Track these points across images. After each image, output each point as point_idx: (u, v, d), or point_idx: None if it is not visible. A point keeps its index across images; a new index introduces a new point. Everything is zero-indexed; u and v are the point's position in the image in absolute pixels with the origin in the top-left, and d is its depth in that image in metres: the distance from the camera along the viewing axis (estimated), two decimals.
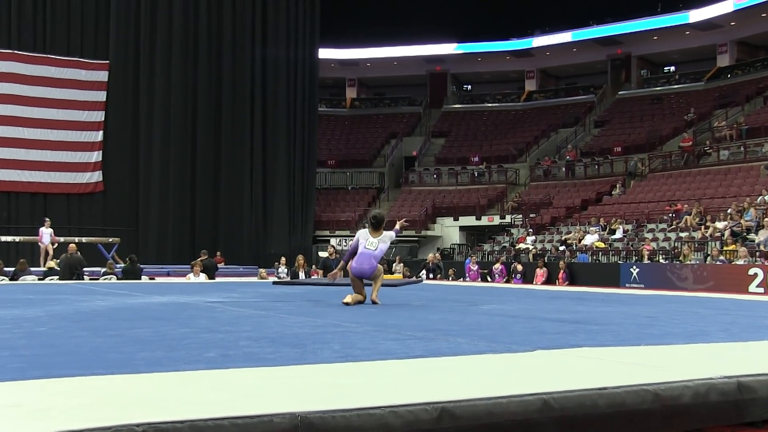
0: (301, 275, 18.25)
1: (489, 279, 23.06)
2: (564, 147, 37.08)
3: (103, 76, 29.57)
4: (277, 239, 32.03)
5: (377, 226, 8.73)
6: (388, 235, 8.83)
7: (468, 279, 23.15)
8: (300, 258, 19.18)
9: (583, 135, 38.36)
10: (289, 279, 18.19)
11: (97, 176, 29.43)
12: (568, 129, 38.78)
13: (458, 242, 32.79)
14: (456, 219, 33.88)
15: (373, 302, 8.68)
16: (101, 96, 29.55)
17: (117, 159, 29.54)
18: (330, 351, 4.22)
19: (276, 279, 18.73)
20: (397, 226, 9.38)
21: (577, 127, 38.77)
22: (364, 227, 9.03)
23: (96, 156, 29.41)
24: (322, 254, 25.02)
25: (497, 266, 23.32)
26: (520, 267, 22.77)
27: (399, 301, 9.16)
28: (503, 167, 36.86)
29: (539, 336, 5.17)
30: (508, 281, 22.35)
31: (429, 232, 34.10)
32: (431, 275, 22.34)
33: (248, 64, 32.34)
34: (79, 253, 19.21)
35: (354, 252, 8.78)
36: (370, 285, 9.03)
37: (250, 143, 32.17)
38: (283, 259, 21.93)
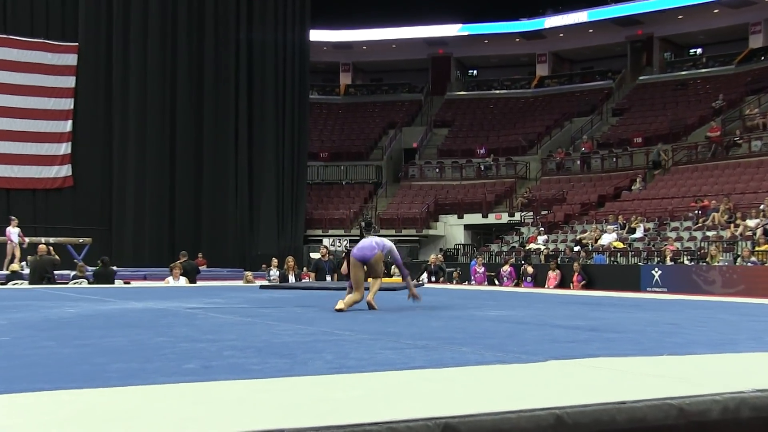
0: (291, 278, 18.25)
1: (497, 282, 23.05)
2: (579, 138, 37.10)
3: (71, 59, 29.51)
4: (264, 239, 32.03)
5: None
6: (385, 241, 9.47)
7: (474, 282, 23.14)
8: (290, 260, 19.18)
9: (599, 124, 38.37)
10: (278, 282, 18.19)
11: (65, 170, 29.40)
12: (583, 118, 38.79)
13: (463, 242, 32.80)
14: (460, 217, 33.89)
15: (369, 306, 8.76)
16: (70, 82, 29.50)
17: (88, 151, 29.49)
18: (322, 361, 4.22)
19: (267, 282, 18.73)
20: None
21: (593, 116, 38.78)
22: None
23: (65, 148, 29.37)
24: (314, 255, 25.02)
25: (506, 268, 23.32)
26: (530, 269, 22.77)
27: (398, 307, 9.16)
28: (512, 160, 36.87)
29: (551, 345, 5.17)
30: (517, 285, 22.35)
31: (431, 232, 34.10)
32: (433, 278, 22.34)
33: (232, 46, 32.31)
34: (53, 252, 19.18)
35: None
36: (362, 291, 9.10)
37: (235, 134, 32.15)
38: (274, 261, 21.93)
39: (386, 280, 16.60)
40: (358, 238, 29.19)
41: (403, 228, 33.47)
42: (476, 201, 34.31)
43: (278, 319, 7.38)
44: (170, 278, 17.58)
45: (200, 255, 27.56)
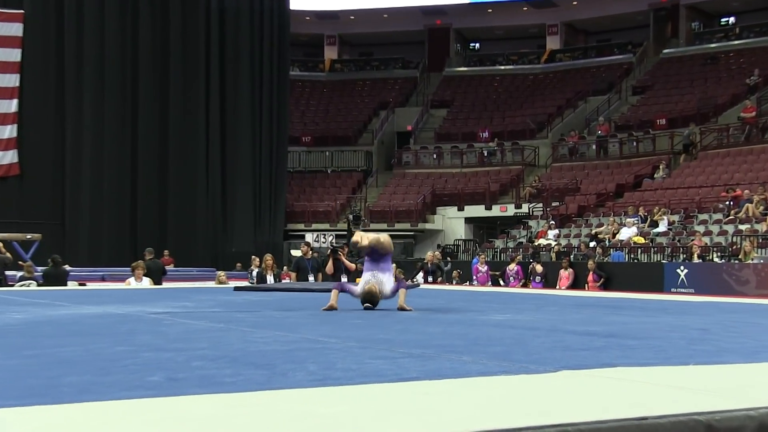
0: (269, 279, 18.23)
1: (502, 282, 23.10)
2: (595, 119, 37.14)
3: (16, 29, 29.34)
4: (239, 235, 32.01)
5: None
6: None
7: (476, 282, 23.19)
8: (268, 258, 19.13)
9: (618, 104, 38.43)
10: (255, 283, 18.17)
11: (11, 156, 29.28)
12: (599, 97, 38.83)
13: (463, 237, 32.85)
14: (461, 209, 33.91)
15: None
16: (15, 55, 29.34)
17: (37, 135, 29.38)
18: (304, 372, 4.21)
19: (249, 283, 18.70)
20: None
21: (611, 95, 38.82)
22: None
23: (9, 131, 29.24)
24: (296, 253, 24.97)
25: (512, 267, 23.36)
26: (539, 268, 22.81)
27: (390, 310, 9.16)
28: (519, 145, 36.90)
29: (563, 353, 5.18)
30: (525, 285, 22.39)
31: (427, 225, 34.12)
32: (430, 278, 22.36)
33: (202, 15, 32.23)
34: (3, 250, 19.11)
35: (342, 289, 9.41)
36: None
37: (206, 116, 32.09)
38: (255, 260, 21.89)
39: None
40: (345, 233, 29.21)
41: (397, 222, 33.47)
42: (478, 191, 34.31)
43: (255, 324, 7.38)
44: (132, 279, 17.54)
45: (166, 253, 27.51)
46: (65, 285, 18.00)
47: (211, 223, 31.83)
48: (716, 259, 21.69)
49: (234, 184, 32.53)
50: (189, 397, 3.45)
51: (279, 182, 33.86)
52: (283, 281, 18.35)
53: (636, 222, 25.80)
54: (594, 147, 35.01)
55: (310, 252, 18.48)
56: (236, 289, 15.58)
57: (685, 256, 22.42)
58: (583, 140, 35.81)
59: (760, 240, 21.81)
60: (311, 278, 17.38)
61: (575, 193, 31.89)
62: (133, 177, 30.68)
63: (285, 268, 24.52)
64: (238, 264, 28.10)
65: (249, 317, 8.37)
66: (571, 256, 23.96)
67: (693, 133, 32.02)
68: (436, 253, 26.02)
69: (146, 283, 17.48)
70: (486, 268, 23.75)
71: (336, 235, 29.52)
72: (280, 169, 34.04)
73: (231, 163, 32.52)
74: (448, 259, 27.50)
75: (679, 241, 23.82)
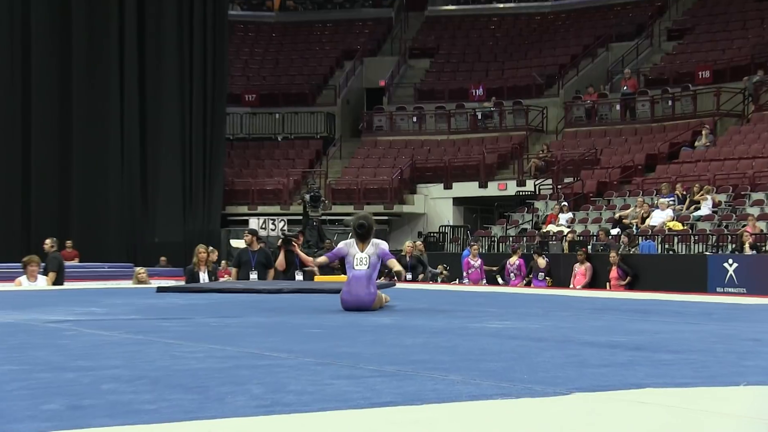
0: (203, 277, 18.18)
1: (500, 280, 23.09)
2: (619, 72, 37.18)
3: None
4: (163, 221, 31.90)
5: (365, 237, 9.97)
6: (382, 244, 10.08)
7: (467, 280, 23.16)
8: (201, 250, 19.03)
9: (648, 52, 38.49)
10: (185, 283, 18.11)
11: None
12: (625, 43, 38.85)
13: (452, 223, 32.82)
14: (448, 187, 33.91)
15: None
16: None
17: None
18: (247, 397, 4.21)
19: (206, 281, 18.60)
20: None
21: (639, 41, 38.86)
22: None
23: None
24: (236, 244, 24.90)
25: (513, 260, 23.34)
26: (542, 261, 22.77)
27: (358, 316, 9.17)
28: (522, 105, 36.92)
29: (578, 370, 5.19)
30: (529, 284, 22.43)
31: (405, 208, 34.13)
32: (409, 275, 22.33)
33: None
34: None
35: (337, 256, 10.26)
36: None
37: (119, 69, 31.85)
38: (213, 252, 21.62)
39: (333, 278, 16.68)
40: (299, 218, 29.21)
41: (366, 203, 33.44)
42: (470, 164, 34.31)
43: (183, 336, 7.35)
44: (24, 278, 17.43)
45: (69, 244, 27.34)
46: None
47: (128, 206, 31.65)
48: None
49: (157, 157, 32.36)
50: (97, 430, 3.43)
51: (215, 153, 33.72)
52: (221, 280, 18.28)
53: (672, 203, 25.89)
54: (618, 107, 35.06)
55: (256, 242, 18.44)
56: (160, 289, 15.51)
57: (734, 246, 22.51)
58: (604, 99, 35.86)
59: None
60: (254, 276, 17.35)
61: (594, 167, 31.91)
62: (25, 150, 30.40)
63: (224, 263, 24.47)
64: (163, 258, 27.97)
65: (176, 326, 8.33)
66: (589, 247, 23.98)
67: (761, 82, 31.75)
68: (417, 242, 25.95)
69: (43, 282, 17.38)
70: (480, 262, 23.70)
71: (288, 220, 29.47)
72: (217, 136, 33.89)
73: (153, 130, 32.33)
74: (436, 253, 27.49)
75: (726, 227, 23.91)
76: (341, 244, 10.33)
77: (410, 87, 40.00)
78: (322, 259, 11.30)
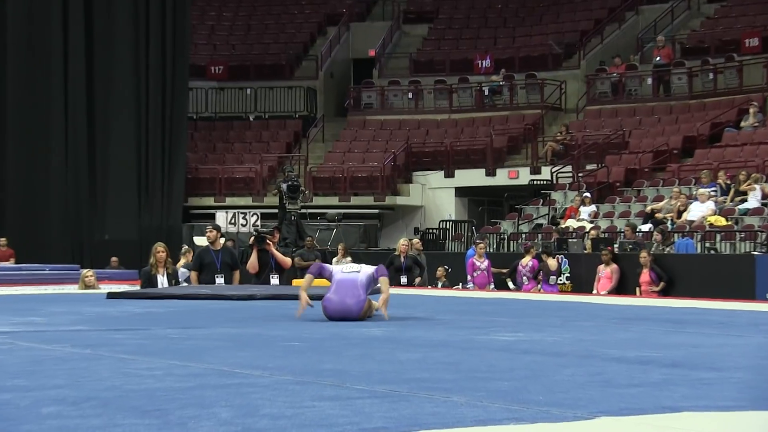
0: (162, 281, 18.20)
1: (511, 285, 23.20)
2: (650, 40, 37.25)
3: None
4: (115, 216, 31.95)
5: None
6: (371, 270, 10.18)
7: (472, 285, 23.22)
8: (159, 249, 19.07)
9: (685, 17, 38.56)
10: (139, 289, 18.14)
11: None
12: (657, 6, 38.93)
13: (454, 217, 32.89)
14: (449, 175, 33.97)
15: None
16: None
17: None
18: (213, 422, 4.21)
19: (187, 285, 18.61)
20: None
21: (674, 2, 38.93)
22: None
23: None
24: (199, 242, 24.90)
25: (526, 261, 23.44)
26: (552, 262, 22.92)
27: (344, 327, 9.18)
28: (537, 78, 36.99)
29: (602, 391, 5.21)
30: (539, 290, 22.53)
31: (399, 200, 34.19)
32: (404, 278, 22.36)
33: None
34: None
35: (321, 272, 10.29)
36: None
37: (62, 37, 31.83)
38: (187, 252, 21.68)
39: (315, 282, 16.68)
40: (275, 211, 29.28)
41: (354, 194, 33.51)
42: (476, 148, 34.41)
43: (138, 350, 7.36)
44: None
45: (3, 243, 27.37)
46: None
47: (73, 197, 31.70)
48: None
49: (107, 141, 32.40)
50: None
51: (176, 136, 33.75)
52: (183, 284, 18.30)
53: (713, 194, 25.94)
54: (649, 81, 35.14)
55: (221, 240, 18.44)
56: (110, 295, 15.55)
57: None
58: (634, 71, 35.91)
59: None
60: (220, 279, 17.35)
61: (621, 151, 32.01)
62: None
63: (182, 261, 24.48)
64: (114, 259, 27.98)
65: (129, 338, 8.34)
66: (615, 246, 24.03)
67: None
68: (414, 240, 26.00)
69: None
70: (487, 263, 23.74)
71: (262, 214, 29.44)
72: (178, 115, 33.91)
73: (102, 108, 32.38)
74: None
75: None
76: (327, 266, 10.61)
77: (405, 57, 40.11)
78: (306, 280, 10.65)
